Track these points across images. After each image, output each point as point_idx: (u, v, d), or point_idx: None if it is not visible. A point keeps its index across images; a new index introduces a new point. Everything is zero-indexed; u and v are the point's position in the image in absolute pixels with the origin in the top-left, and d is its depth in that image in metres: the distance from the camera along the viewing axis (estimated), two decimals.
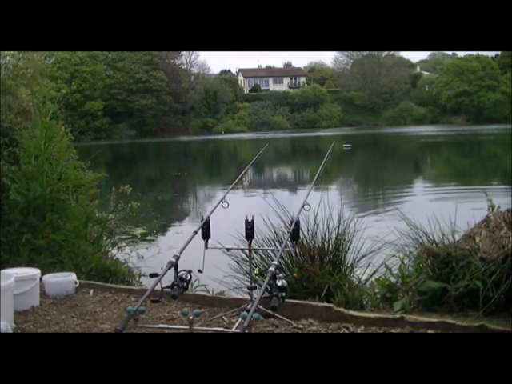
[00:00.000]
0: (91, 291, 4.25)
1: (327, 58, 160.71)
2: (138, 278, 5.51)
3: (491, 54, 63.54)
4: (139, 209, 7.60)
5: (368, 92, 64.60)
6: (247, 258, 3.99)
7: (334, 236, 4.24)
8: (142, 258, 6.87)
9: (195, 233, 3.39)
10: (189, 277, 3.16)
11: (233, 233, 4.14)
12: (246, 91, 67.23)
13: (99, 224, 5.92)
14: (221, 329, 3.25)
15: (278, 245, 4.25)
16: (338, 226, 4.27)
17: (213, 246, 3.49)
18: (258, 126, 59.29)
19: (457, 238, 3.90)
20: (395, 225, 4.16)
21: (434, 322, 3.07)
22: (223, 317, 3.49)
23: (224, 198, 3.58)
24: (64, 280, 4.24)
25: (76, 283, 4.25)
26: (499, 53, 61.59)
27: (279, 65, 78.40)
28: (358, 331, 3.13)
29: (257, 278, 3.96)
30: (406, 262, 3.94)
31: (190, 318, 3.06)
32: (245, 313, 2.76)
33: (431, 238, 3.96)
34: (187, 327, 3.10)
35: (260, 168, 21.84)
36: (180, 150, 41.36)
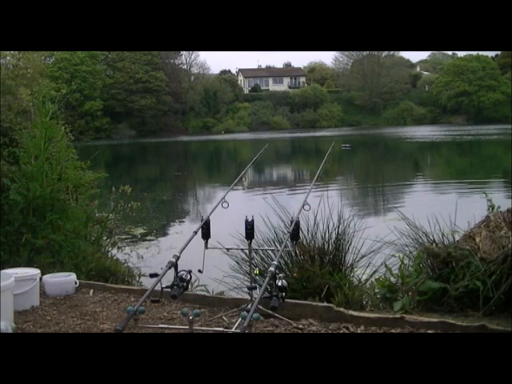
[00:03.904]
0: (91, 291, 4.25)
1: (327, 58, 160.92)
2: (137, 278, 5.51)
3: (491, 53, 63.66)
4: (139, 209, 7.60)
5: (368, 92, 64.60)
6: (247, 258, 3.99)
7: (333, 236, 4.23)
8: (142, 258, 6.87)
9: (195, 233, 3.39)
10: (189, 277, 3.16)
11: (233, 233, 4.14)
12: (245, 91, 67.23)
13: (99, 224, 5.92)
14: (221, 329, 3.25)
15: (277, 245, 4.25)
16: (338, 226, 4.27)
17: (213, 246, 3.49)
18: (258, 126, 59.25)
19: (457, 238, 3.89)
20: (395, 225, 4.16)
21: (434, 321, 3.07)
22: (223, 317, 3.49)
23: (224, 197, 3.58)
24: (64, 280, 4.24)
25: (76, 283, 4.25)
26: (499, 53, 61.62)
27: (279, 65, 78.53)
28: (358, 331, 3.13)
29: (257, 278, 3.95)
30: (405, 262, 3.94)
31: (190, 317, 3.06)
32: (245, 313, 2.76)
33: (431, 238, 3.96)
34: (187, 327, 3.10)
35: (260, 168, 21.84)
36: (180, 150, 41.35)
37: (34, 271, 3.98)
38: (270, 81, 69.20)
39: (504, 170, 18.57)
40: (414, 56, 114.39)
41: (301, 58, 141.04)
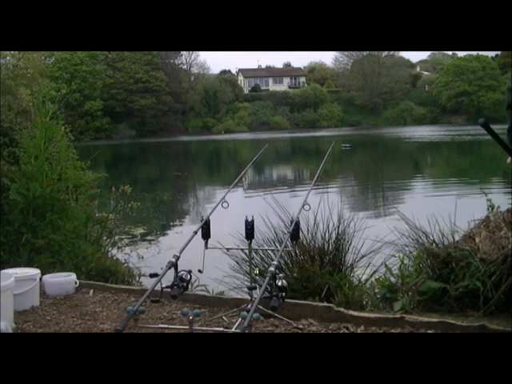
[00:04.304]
0: (91, 291, 4.25)
1: (327, 57, 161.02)
2: (137, 278, 5.52)
3: (491, 53, 63.67)
4: (140, 209, 7.61)
5: (368, 92, 64.63)
6: (247, 258, 3.99)
7: (333, 236, 4.23)
8: (142, 258, 6.88)
9: (195, 233, 3.39)
10: (189, 277, 3.16)
11: (233, 233, 4.14)
12: (245, 91, 67.23)
13: (99, 224, 5.92)
14: (221, 329, 3.26)
15: (277, 245, 4.25)
16: (338, 226, 4.27)
17: (213, 246, 3.49)
18: (258, 126, 59.26)
19: (457, 238, 3.89)
20: (395, 225, 4.16)
21: (434, 321, 3.07)
22: (223, 317, 3.49)
23: (224, 198, 3.58)
24: (64, 280, 4.24)
25: (76, 283, 4.25)
26: (499, 53, 61.59)
27: (279, 65, 78.54)
28: (358, 331, 3.13)
29: (257, 278, 3.95)
30: (405, 262, 3.94)
31: (190, 317, 3.06)
32: (245, 313, 2.76)
33: (431, 238, 3.96)
34: (187, 327, 3.10)
35: (260, 168, 21.85)
36: (180, 150, 41.36)
37: (34, 271, 3.98)
38: (270, 81, 69.20)
39: (504, 170, 18.57)
40: (414, 56, 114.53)
41: (301, 58, 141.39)
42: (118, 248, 6.47)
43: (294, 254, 4.14)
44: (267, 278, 2.91)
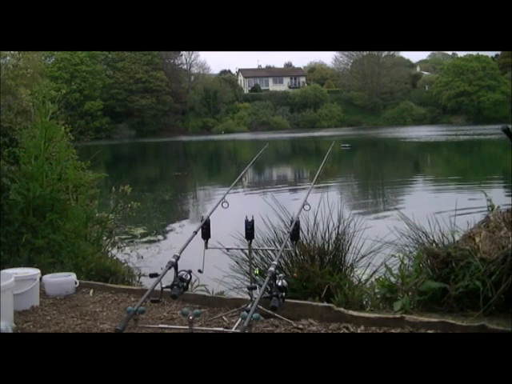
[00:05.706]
0: (91, 291, 4.25)
1: (327, 58, 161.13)
2: (138, 278, 5.52)
3: (491, 53, 63.67)
4: (140, 209, 7.61)
5: (368, 92, 64.62)
6: (247, 258, 3.99)
7: (334, 236, 4.23)
8: (142, 258, 6.88)
9: (195, 233, 3.39)
10: (189, 277, 3.16)
11: (233, 233, 4.14)
12: (245, 91, 67.23)
13: (99, 224, 5.92)
14: (221, 329, 3.25)
15: (277, 245, 4.25)
16: (338, 226, 4.27)
17: (213, 246, 3.49)
18: (258, 126, 59.26)
19: (457, 238, 3.89)
20: (395, 225, 4.16)
21: (434, 321, 3.07)
22: (223, 317, 3.49)
23: (224, 197, 3.58)
24: (64, 280, 4.24)
25: (76, 283, 4.25)
26: (499, 53, 61.60)
27: (279, 65, 78.53)
28: (358, 331, 3.13)
29: (257, 278, 3.95)
30: (405, 262, 3.94)
31: (190, 317, 3.06)
32: (245, 313, 2.76)
33: (431, 238, 3.96)
34: (187, 327, 3.10)
35: (260, 168, 21.85)
36: (180, 150, 41.36)
37: (34, 271, 3.98)
38: (270, 81, 69.19)
39: (504, 170, 18.57)
40: (414, 56, 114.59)
41: (301, 58, 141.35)
42: (118, 248, 6.47)
43: (294, 254, 4.14)
44: (267, 278, 2.91)
